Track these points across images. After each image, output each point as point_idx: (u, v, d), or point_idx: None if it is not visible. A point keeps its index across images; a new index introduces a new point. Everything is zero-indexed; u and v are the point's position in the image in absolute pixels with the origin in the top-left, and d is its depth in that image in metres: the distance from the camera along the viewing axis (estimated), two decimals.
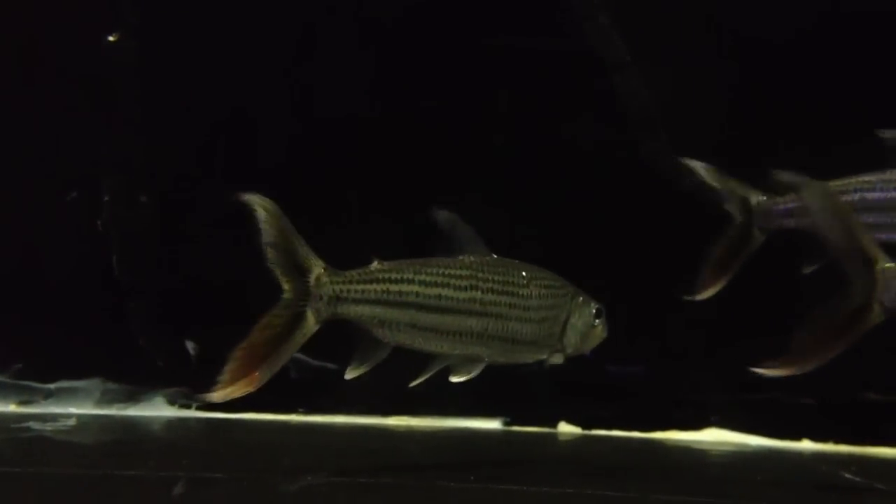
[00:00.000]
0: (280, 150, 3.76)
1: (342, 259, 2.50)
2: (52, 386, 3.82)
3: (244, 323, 2.45)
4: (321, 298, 2.46)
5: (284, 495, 2.48)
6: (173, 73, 3.77)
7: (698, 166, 3.02)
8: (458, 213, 2.59)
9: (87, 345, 3.77)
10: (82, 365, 3.79)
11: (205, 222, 3.77)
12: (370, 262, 2.53)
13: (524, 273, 2.59)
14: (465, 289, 2.53)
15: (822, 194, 2.62)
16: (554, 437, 3.74)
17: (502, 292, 2.55)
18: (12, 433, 3.34)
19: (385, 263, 2.54)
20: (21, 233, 3.78)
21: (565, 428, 3.78)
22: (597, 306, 2.66)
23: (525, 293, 2.57)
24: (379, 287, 2.50)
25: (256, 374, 2.40)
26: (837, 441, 3.65)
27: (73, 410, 3.78)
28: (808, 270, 2.82)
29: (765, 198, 2.98)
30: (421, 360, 2.59)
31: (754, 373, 2.61)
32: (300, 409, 3.84)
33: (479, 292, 2.53)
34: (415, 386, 2.56)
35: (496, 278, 2.55)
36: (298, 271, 2.45)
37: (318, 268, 2.47)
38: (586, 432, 3.77)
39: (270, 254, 2.42)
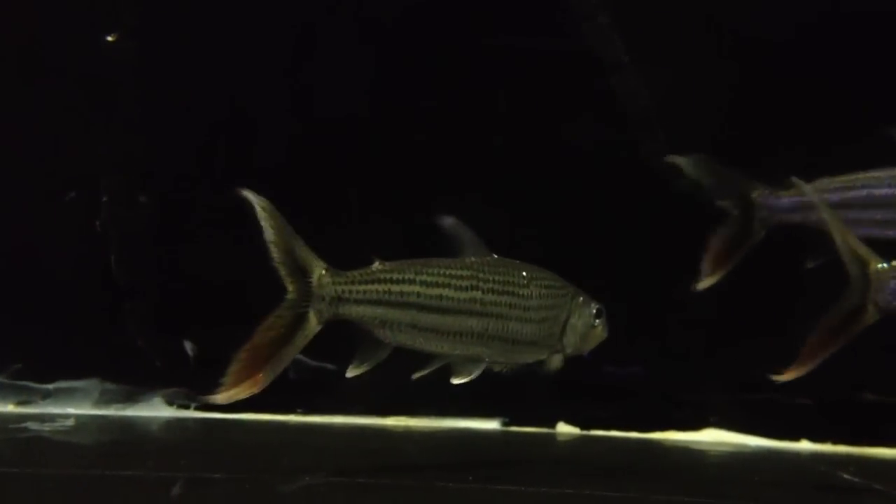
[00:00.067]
0: (280, 150, 3.75)
1: (343, 259, 2.50)
2: (50, 386, 3.81)
3: (242, 323, 2.45)
4: (323, 299, 2.46)
5: (283, 495, 2.48)
6: (172, 73, 3.77)
7: (697, 159, 3.02)
8: (458, 214, 2.59)
9: (86, 345, 3.77)
10: (80, 365, 3.79)
11: (203, 223, 3.76)
12: (371, 262, 2.53)
13: (524, 273, 2.59)
14: (466, 289, 2.53)
15: (821, 200, 2.63)
16: (553, 437, 3.74)
17: (503, 292, 2.55)
18: (10, 434, 3.33)
19: (386, 264, 2.54)
20: (20, 233, 3.77)
21: (564, 428, 3.79)
22: (597, 306, 2.66)
23: (525, 293, 2.57)
24: (380, 287, 2.50)
25: (260, 375, 2.41)
26: (836, 441, 3.65)
27: (71, 411, 3.78)
28: (811, 265, 2.81)
29: (767, 191, 2.97)
30: (420, 360, 2.59)
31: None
32: (299, 410, 3.84)
33: (480, 292, 2.53)
34: (416, 380, 2.56)
35: (497, 278, 2.55)
36: (300, 272, 2.45)
37: (319, 268, 2.47)
38: (585, 433, 3.77)
39: (274, 252, 2.43)
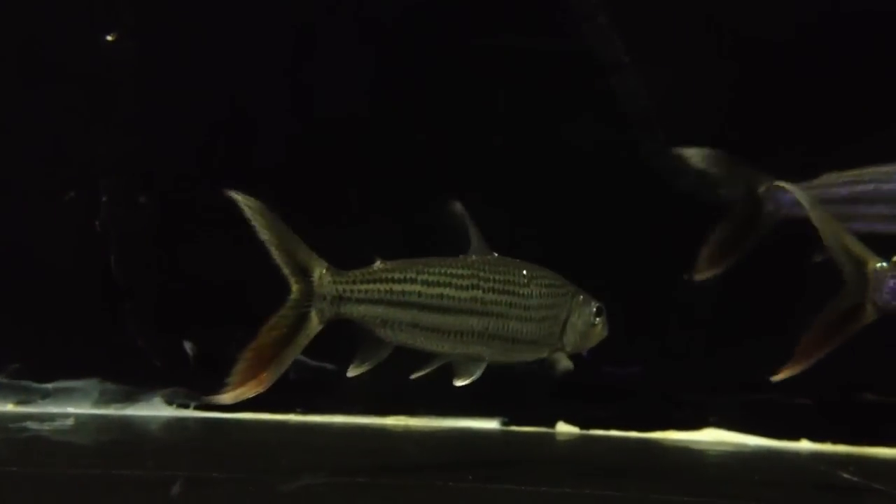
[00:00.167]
0: (280, 149, 3.75)
1: (343, 259, 2.50)
2: (49, 386, 3.81)
3: (242, 323, 2.46)
4: (325, 298, 2.47)
5: (282, 495, 2.48)
6: (172, 73, 3.76)
7: (707, 152, 3.01)
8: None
9: (85, 345, 3.76)
10: (80, 365, 3.79)
11: (203, 223, 3.76)
12: (372, 261, 2.53)
13: (525, 272, 2.59)
14: (467, 288, 2.53)
15: (809, 201, 2.63)
16: (552, 437, 3.74)
17: (503, 292, 2.55)
18: (10, 433, 3.33)
19: (387, 263, 2.54)
20: (19, 232, 3.77)
21: (563, 428, 3.79)
22: (597, 305, 2.66)
23: (526, 292, 2.57)
24: (382, 287, 2.50)
25: (264, 374, 2.41)
26: (835, 441, 3.66)
27: (70, 410, 3.77)
28: (818, 259, 2.80)
29: (774, 185, 2.96)
30: (420, 359, 2.59)
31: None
32: (298, 409, 3.84)
33: (481, 291, 2.54)
34: (415, 380, 2.56)
35: (497, 277, 2.55)
36: (301, 272, 2.46)
37: (320, 268, 2.47)
38: (584, 432, 3.77)
39: (272, 252, 2.43)
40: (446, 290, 2.52)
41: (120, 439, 3.47)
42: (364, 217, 3.69)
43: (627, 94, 3.66)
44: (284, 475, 2.71)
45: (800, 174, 2.94)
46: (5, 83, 3.77)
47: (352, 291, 2.49)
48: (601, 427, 3.78)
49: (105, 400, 3.81)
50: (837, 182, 2.88)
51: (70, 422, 3.60)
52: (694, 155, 3.03)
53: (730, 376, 3.64)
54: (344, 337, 2.54)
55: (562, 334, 2.63)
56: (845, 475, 3.10)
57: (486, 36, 3.69)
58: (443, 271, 2.53)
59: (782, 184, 2.90)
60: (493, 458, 3.27)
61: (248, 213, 2.40)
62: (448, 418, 3.82)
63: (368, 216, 3.69)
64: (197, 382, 3.76)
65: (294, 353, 2.45)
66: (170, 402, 3.82)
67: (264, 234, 2.42)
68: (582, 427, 3.78)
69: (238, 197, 2.40)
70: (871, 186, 2.84)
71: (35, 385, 3.81)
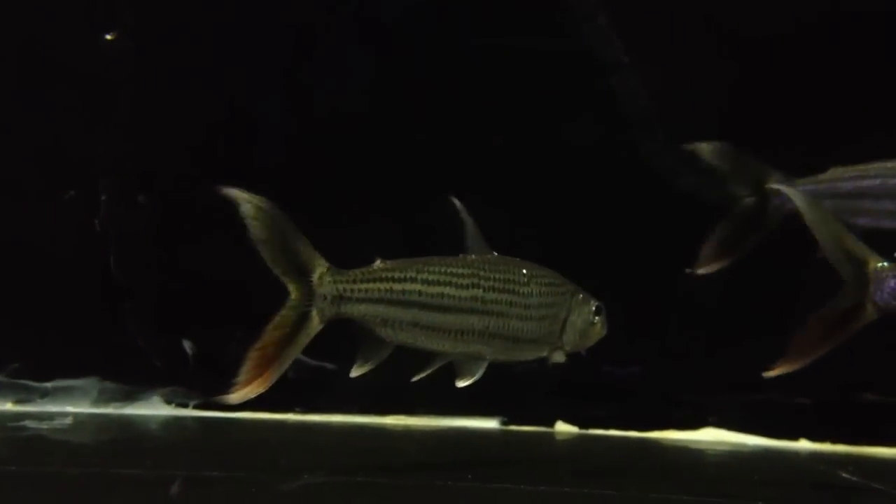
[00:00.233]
0: (280, 149, 3.75)
1: (344, 258, 2.50)
2: (48, 385, 3.81)
3: (241, 323, 2.46)
4: (325, 298, 2.47)
5: (282, 494, 2.48)
6: (171, 73, 3.76)
7: (717, 146, 3.00)
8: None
9: (84, 344, 3.76)
10: (79, 364, 3.79)
11: (202, 222, 3.76)
12: (372, 261, 2.53)
13: (525, 271, 2.59)
14: (467, 287, 2.53)
15: (807, 201, 2.63)
16: (551, 436, 3.74)
17: (503, 290, 2.55)
18: (9, 432, 3.33)
19: (388, 262, 2.54)
20: (18, 232, 3.77)
21: (563, 427, 3.79)
22: (596, 304, 2.67)
23: (526, 291, 2.58)
24: (382, 286, 2.51)
25: (268, 373, 2.42)
26: (835, 441, 3.65)
27: (69, 409, 3.78)
28: (822, 255, 2.79)
29: (782, 180, 2.95)
30: (419, 359, 2.59)
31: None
32: (297, 408, 3.84)
33: (481, 290, 2.54)
34: (415, 381, 2.57)
35: (497, 276, 2.56)
36: (301, 271, 2.46)
37: (321, 267, 2.47)
38: (584, 432, 3.77)
39: (264, 252, 2.43)
40: (446, 289, 2.52)
41: (119, 438, 3.47)
42: (364, 217, 3.69)
43: (627, 94, 3.66)
44: (284, 474, 2.71)
45: (800, 174, 2.95)
46: (5, 83, 3.77)
47: (352, 291, 2.49)
48: (600, 427, 3.78)
49: (104, 399, 3.81)
50: (843, 177, 2.88)
51: (69, 421, 3.60)
52: (702, 149, 3.02)
53: (729, 376, 3.64)
54: (343, 336, 2.54)
55: (561, 333, 2.63)
56: (844, 475, 3.10)
57: (486, 36, 3.69)
58: (443, 270, 2.53)
59: (777, 186, 2.90)
60: (492, 457, 3.27)
61: (247, 210, 2.40)
62: (448, 418, 3.82)
63: (368, 216, 3.69)
64: (196, 382, 3.77)
65: (295, 353, 2.46)
66: (169, 402, 3.82)
67: (258, 234, 2.42)
68: (581, 427, 3.78)
69: (243, 195, 2.40)
70: (876, 181, 2.83)
71: (34, 384, 3.81)
